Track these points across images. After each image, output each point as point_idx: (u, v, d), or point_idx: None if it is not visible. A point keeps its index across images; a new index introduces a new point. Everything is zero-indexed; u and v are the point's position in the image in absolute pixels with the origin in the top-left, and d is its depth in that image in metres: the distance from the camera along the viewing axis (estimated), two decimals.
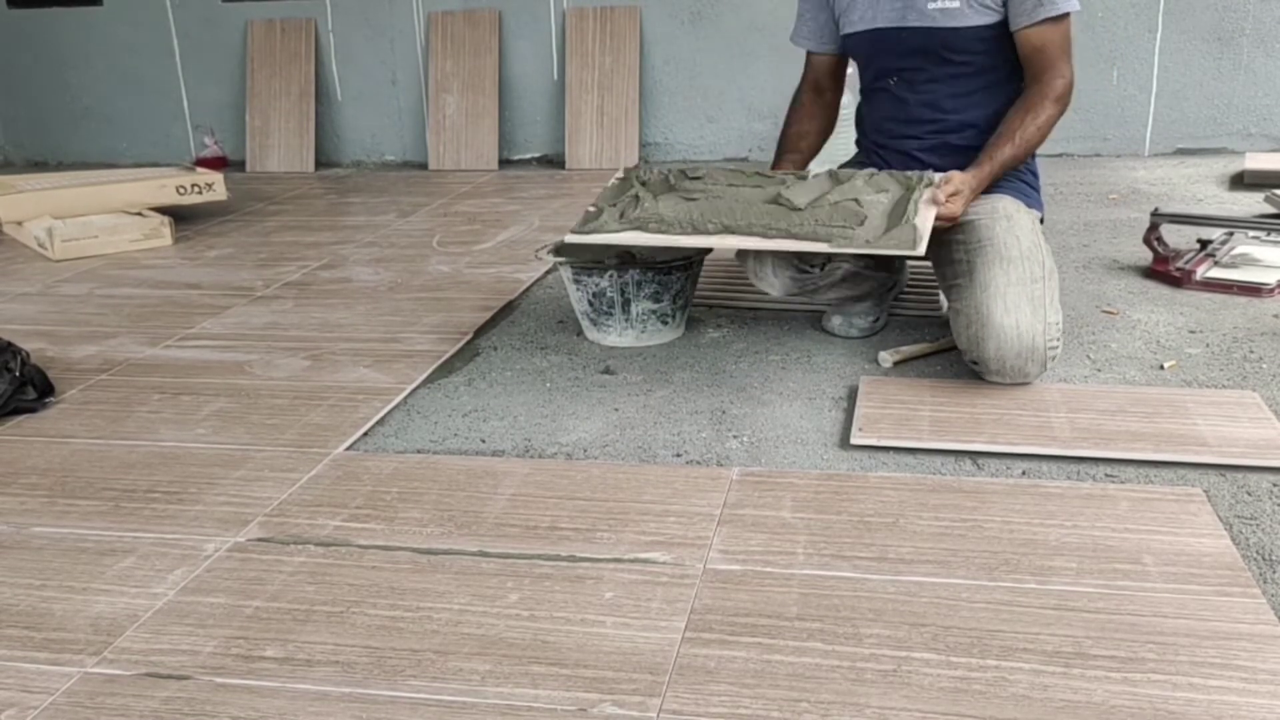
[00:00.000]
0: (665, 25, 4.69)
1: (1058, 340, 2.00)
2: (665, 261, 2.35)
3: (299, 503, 1.72)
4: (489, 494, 1.72)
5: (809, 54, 2.43)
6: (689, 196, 2.16)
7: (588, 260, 2.40)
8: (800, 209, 2.06)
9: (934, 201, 2.00)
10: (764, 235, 2.04)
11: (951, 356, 2.20)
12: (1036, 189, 2.32)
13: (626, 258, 2.43)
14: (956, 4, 2.12)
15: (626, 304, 2.34)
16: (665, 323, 2.38)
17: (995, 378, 2.01)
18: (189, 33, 5.15)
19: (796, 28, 2.43)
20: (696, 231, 2.08)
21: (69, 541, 1.63)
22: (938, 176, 2.06)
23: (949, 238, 2.14)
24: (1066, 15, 2.10)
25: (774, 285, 2.27)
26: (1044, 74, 2.11)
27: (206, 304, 2.90)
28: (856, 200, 2.04)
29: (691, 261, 2.37)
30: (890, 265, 2.35)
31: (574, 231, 2.19)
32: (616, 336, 2.40)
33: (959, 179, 2.03)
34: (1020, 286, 1.98)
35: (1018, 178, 2.26)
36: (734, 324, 2.51)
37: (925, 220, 1.98)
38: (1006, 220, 2.09)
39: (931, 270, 2.68)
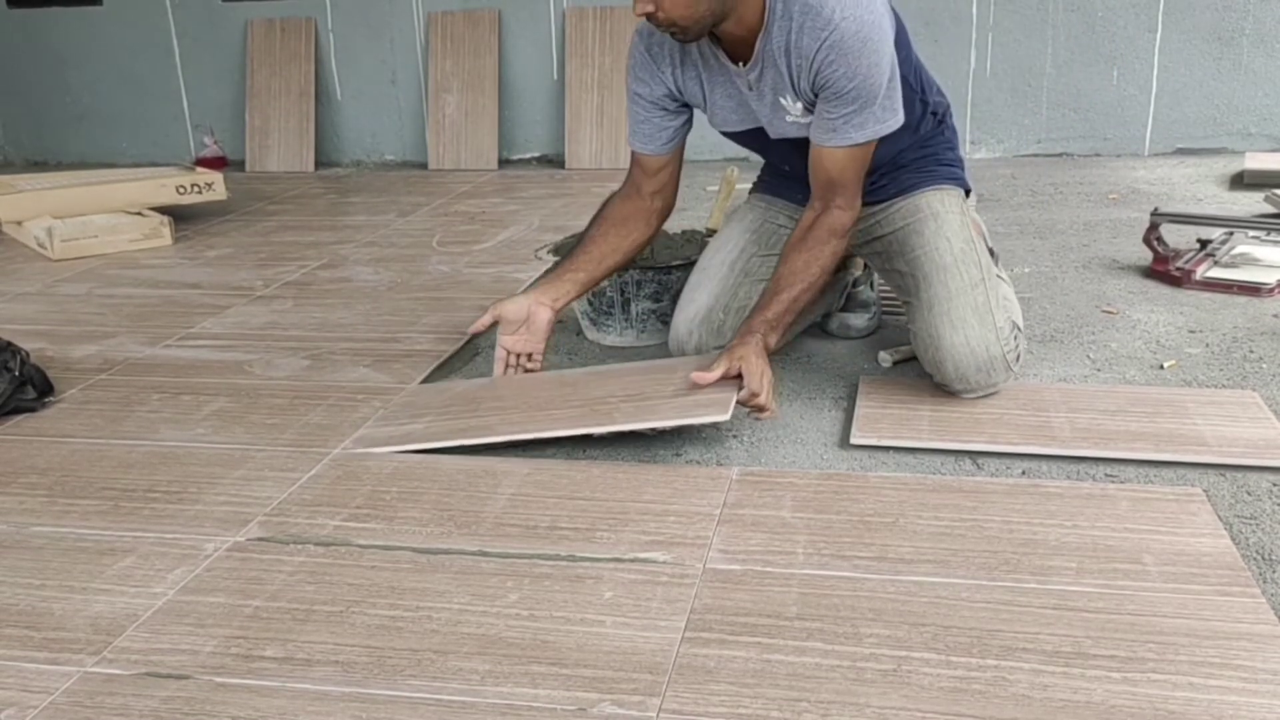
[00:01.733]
0: None
1: (1014, 340, 1.95)
2: (665, 262, 2.35)
3: (299, 502, 1.72)
4: (489, 493, 1.72)
5: (634, 156, 2.09)
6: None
7: None
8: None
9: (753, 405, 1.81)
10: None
11: None
12: (953, 160, 2.13)
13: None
14: (809, 119, 1.89)
15: (626, 304, 2.35)
16: (665, 322, 2.38)
17: (968, 395, 1.97)
18: (189, 33, 5.15)
19: (633, 129, 2.06)
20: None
21: (69, 541, 1.63)
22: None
23: (884, 249, 2.08)
24: (864, 145, 1.86)
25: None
26: (830, 199, 1.89)
27: (206, 304, 2.90)
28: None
29: (692, 261, 2.37)
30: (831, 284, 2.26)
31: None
32: (616, 336, 2.40)
33: (755, 373, 1.78)
34: (962, 296, 1.91)
35: (935, 160, 2.09)
36: None
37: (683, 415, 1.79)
38: (934, 220, 2.00)
39: None
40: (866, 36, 1.76)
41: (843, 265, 2.35)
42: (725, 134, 2.07)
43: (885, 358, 2.19)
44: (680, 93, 2.00)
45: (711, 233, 2.56)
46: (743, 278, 2.10)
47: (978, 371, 1.92)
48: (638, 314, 2.36)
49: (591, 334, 2.44)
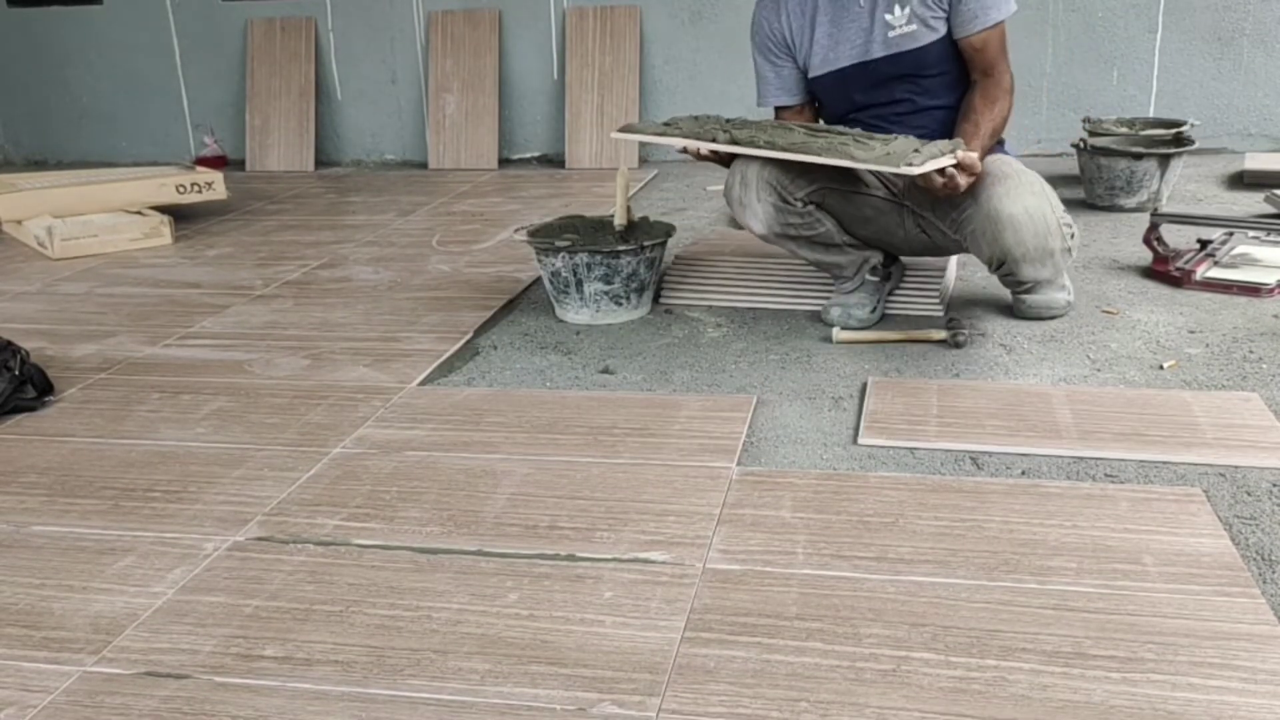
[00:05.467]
0: (665, 25, 4.69)
1: (1070, 224, 2.24)
2: (611, 246, 2.48)
3: (298, 502, 1.72)
4: (488, 493, 1.72)
5: (777, 110, 2.50)
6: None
7: (543, 241, 2.51)
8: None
9: (954, 154, 2.10)
10: (773, 148, 2.19)
11: (944, 355, 2.20)
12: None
13: (575, 240, 2.54)
14: (913, 26, 2.28)
15: (580, 284, 2.49)
16: (619, 304, 2.52)
17: (1028, 269, 2.23)
18: (189, 32, 5.15)
19: (761, 90, 2.50)
20: (712, 139, 2.27)
21: (68, 540, 1.63)
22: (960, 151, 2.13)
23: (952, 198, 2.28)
24: (1002, 22, 2.29)
25: (757, 214, 2.33)
26: (991, 70, 2.30)
27: (206, 303, 2.90)
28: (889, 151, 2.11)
29: (644, 247, 2.47)
30: (870, 241, 2.46)
31: (621, 130, 2.45)
32: (574, 314, 2.55)
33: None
34: (1020, 180, 2.18)
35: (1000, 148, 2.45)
36: (734, 324, 2.51)
37: (930, 160, 2.05)
38: (994, 160, 2.26)
39: (931, 265, 2.69)
40: None
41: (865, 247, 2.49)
42: (817, 80, 2.39)
43: (837, 333, 2.33)
44: (789, 40, 2.39)
45: (622, 227, 2.58)
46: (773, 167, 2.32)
47: (1035, 236, 2.17)
48: (591, 294, 2.50)
49: (558, 311, 2.60)
